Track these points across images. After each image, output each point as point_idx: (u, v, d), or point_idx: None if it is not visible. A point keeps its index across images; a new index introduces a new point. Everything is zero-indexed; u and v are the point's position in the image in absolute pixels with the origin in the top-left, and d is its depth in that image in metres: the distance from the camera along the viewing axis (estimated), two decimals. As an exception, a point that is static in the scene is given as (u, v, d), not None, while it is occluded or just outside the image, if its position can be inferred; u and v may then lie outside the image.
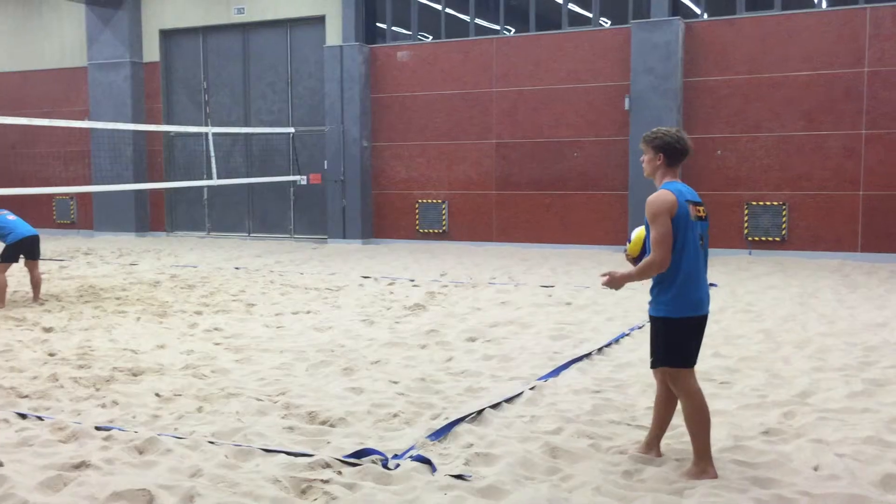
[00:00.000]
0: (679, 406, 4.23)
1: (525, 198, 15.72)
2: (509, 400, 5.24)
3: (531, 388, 5.51)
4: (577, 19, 15.55)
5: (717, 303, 9.09)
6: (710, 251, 15.10)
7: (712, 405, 5.15)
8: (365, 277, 11.50)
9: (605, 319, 8.21)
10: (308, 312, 8.70)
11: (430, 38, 16.69)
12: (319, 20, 17.15)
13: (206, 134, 14.76)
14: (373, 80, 16.79)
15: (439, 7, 16.52)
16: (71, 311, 8.73)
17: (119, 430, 4.58)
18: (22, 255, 9.28)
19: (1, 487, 3.75)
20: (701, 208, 4.05)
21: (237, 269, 12.60)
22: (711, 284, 10.51)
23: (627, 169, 14.59)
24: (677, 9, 14.59)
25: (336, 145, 16.79)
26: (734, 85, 14.15)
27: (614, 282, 4.08)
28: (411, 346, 7.01)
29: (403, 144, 16.61)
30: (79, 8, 19.02)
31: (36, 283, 9.45)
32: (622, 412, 5.05)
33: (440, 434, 4.51)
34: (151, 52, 18.78)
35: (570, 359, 6.42)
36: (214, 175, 14.12)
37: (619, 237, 14.82)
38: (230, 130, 16.76)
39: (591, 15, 15.41)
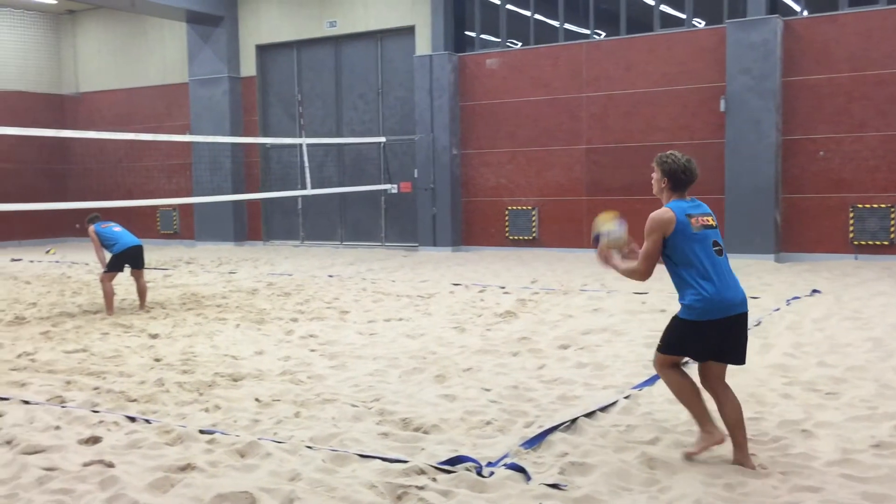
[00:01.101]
0: (731, 405, 4.30)
1: (616, 203, 15.49)
2: (604, 409, 5.16)
3: (626, 397, 5.41)
4: (669, 21, 15.25)
5: (821, 310, 8.75)
6: (813, 256, 14.52)
7: (818, 416, 4.96)
8: (455, 285, 11.54)
9: (702, 327, 7.99)
10: (400, 320, 8.79)
11: (519, 44, 16.66)
12: (409, 30, 17.36)
13: (301, 145, 15.13)
14: (462, 89, 16.88)
15: (528, 13, 16.49)
16: (175, 318, 9.07)
17: (221, 433, 4.72)
18: (127, 265, 9.70)
19: (112, 488, 3.92)
20: (708, 218, 4.27)
21: (331, 276, 12.84)
22: (815, 291, 10.12)
23: (723, 172, 14.20)
24: (775, 6, 14.13)
25: (426, 154, 16.94)
26: (837, 83, 13.60)
27: (605, 259, 4.44)
28: (503, 353, 6.99)
29: (493, 152, 16.63)
30: (180, 27, 19.83)
31: (142, 292, 9.86)
32: (722, 422, 4.89)
33: (534, 442, 4.48)
34: (248, 66, 19.39)
35: (665, 367, 6.26)
36: (308, 185, 14.45)
37: (714, 242, 14.45)
38: (323, 141, 17.14)
39: (684, 16, 15.09)
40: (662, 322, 8.35)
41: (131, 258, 9.68)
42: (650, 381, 5.86)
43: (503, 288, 11.05)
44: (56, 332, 8.22)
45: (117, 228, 9.80)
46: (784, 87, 13.90)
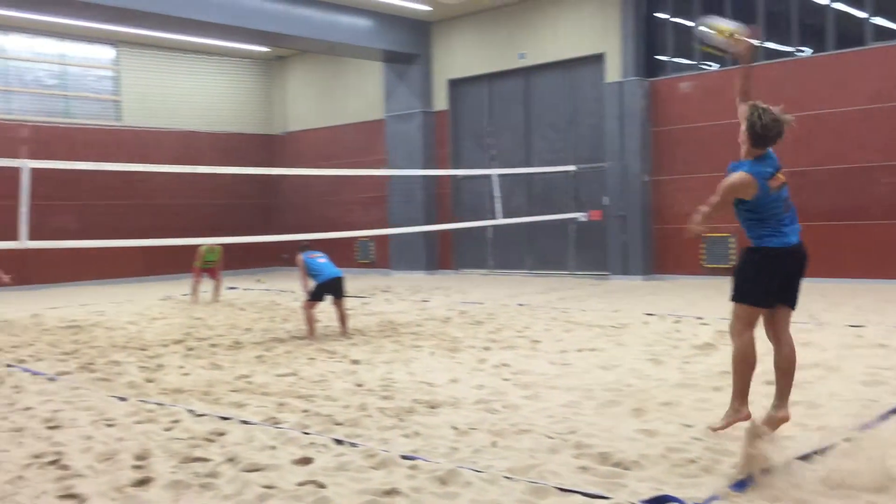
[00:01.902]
0: (788, 350, 4.87)
1: (822, 229, 14.49)
2: (820, 452, 4.79)
3: (846, 440, 5.00)
4: (883, 33, 14.17)
5: None
6: None
7: None
8: (649, 315, 11.22)
9: (931, 365, 7.28)
10: (593, 350, 8.65)
11: (715, 66, 16.10)
12: (598, 58, 17.25)
13: (491, 176, 15.38)
14: (653, 114, 16.53)
15: (723, 34, 15.90)
16: (374, 344, 9.44)
17: (423, 460, 4.83)
18: (329, 294, 10.24)
19: (325, 508, 4.12)
20: (780, 175, 4.62)
21: (520, 305, 12.89)
22: None
23: (950, 194, 12.94)
24: None
25: (616, 181, 16.70)
26: None
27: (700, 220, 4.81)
28: (704, 387, 6.70)
29: (686, 177, 16.11)
30: (378, 66, 20.87)
31: (343, 319, 10.36)
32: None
33: (744, 485, 4.24)
34: (440, 101, 20.04)
35: (890, 408, 5.75)
36: (499, 215, 14.64)
37: (941, 271, 13.15)
38: (514, 171, 17.32)
39: (899, 26, 13.99)
40: (883, 357, 7.71)
41: (332, 289, 10.22)
42: (874, 424, 5.39)
43: (700, 318, 10.62)
44: (269, 357, 8.80)
45: (322, 259, 10.39)
46: None
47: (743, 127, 4.61)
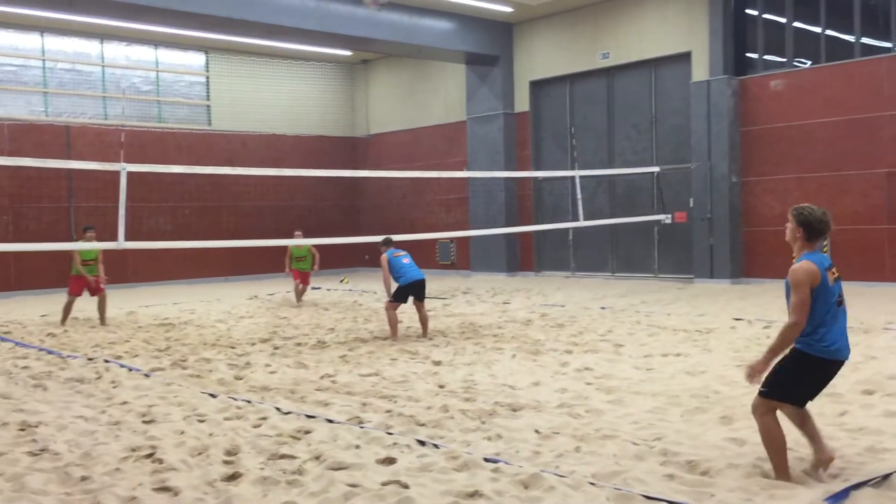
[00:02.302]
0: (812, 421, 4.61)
1: (925, 232, 13.86)
2: (922, 466, 4.59)
3: (950, 455, 4.77)
4: None
5: None
6: None
7: None
8: (737, 319, 10.93)
9: None
10: (678, 355, 8.48)
11: (808, 63, 15.57)
12: (685, 57, 16.88)
13: (574, 177, 15.23)
14: (742, 113, 16.08)
15: (818, 30, 15.37)
16: (455, 346, 9.47)
17: (505, 463, 4.82)
18: (411, 296, 10.32)
19: (408, 508, 4.15)
20: (835, 270, 4.54)
21: (603, 308, 12.73)
22: None
23: None
24: None
25: (703, 182, 16.32)
26: None
27: (755, 371, 4.49)
28: (795, 396, 6.47)
29: (777, 178, 15.62)
30: (460, 69, 20.93)
31: (424, 321, 10.43)
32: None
33: (840, 497, 4.09)
34: (522, 102, 19.96)
35: None
36: (581, 217, 14.48)
37: None
38: (597, 173, 17.10)
39: None
40: None
41: (414, 290, 10.31)
42: (980, 438, 5.12)
43: (791, 325, 10.26)
44: (352, 356, 8.94)
45: (406, 260, 10.47)
46: None
47: (792, 225, 4.59)
